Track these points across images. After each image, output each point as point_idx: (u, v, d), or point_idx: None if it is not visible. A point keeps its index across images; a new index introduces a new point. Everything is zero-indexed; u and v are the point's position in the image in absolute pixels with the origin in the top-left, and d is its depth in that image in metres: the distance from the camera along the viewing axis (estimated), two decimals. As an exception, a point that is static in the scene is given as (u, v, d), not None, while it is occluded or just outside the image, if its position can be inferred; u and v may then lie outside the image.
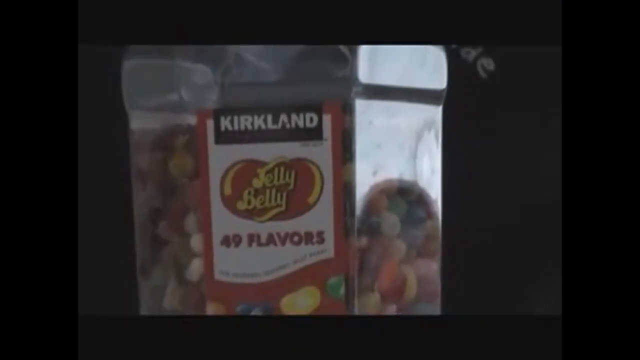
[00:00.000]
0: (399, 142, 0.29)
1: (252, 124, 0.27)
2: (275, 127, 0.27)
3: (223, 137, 0.27)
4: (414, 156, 0.30)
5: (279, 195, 0.27)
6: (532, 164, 0.48)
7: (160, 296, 0.34)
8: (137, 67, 0.32)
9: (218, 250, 0.28)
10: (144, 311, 0.36)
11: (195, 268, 0.30)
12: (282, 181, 0.27)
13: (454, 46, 0.43)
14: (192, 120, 0.28)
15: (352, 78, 0.27)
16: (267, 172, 0.27)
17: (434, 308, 0.38)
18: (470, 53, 0.42)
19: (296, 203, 0.27)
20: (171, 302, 0.34)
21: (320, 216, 0.27)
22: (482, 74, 0.43)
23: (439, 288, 0.41)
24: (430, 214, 0.35)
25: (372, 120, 0.27)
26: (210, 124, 0.27)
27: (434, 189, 0.34)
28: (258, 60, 0.27)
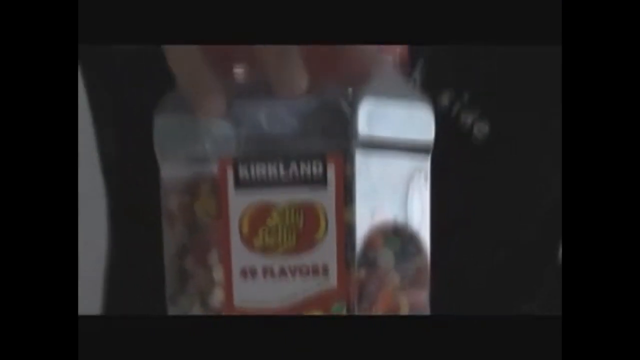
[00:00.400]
0: (393, 187, 0.34)
1: (266, 171, 0.32)
2: (286, 174, 0.32)
3: (241, 183, 0.32)
4: (406, 199, 0.35)
5: (289, 233, 0.32)
6: (513, 205, 0.52)
7: None
8: (166, 123, 0.37)
9: (237, 281, 0.34)
10: None
11: (217, 297, 0.36)
12: (292, 221, 0.32)
13: (445, 105, 0.46)
14: (214, 168, 0.33)
15: (352, 132, 0.32)
16: (280, 213, 0.32)
17: None
18: (468, 117, 0.46)
19: (304, 240, 0.32)
20: None
21: (325, 252, 0.33)
22: (478, 136, 0.46)
23: (428, 314, 0.47)
24: (420, 250, 0.40)
25: (369, 168, 0.32)
26: (230, 171, 0.32)
27: (424, 227, 0.39)
28: (271, 117, 0.32)
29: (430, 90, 0.41)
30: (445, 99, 0.46)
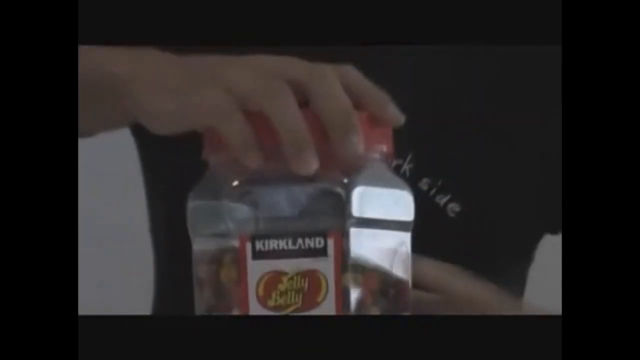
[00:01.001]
0: (380, 258, 0.40)
1: (278, 245, 0.39)
2: (294, 247, 0.38)
3: (257, 255, 0.39)
4: (392, 267, 0.42)
5: (296, 295, 0.38)
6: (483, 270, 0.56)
7: None
8: (196, 207, 0.43)
9: None
10: None
11: None
12: (299, 286, 0.38)
13: (425, 189, 0.54)
14: (236, 243, 0.39)
15: (347, 213, 0.38)
16: (289, 280, 0.38)
17: None
18: (442, 198, 0.54)
19: (308, 301, 0.39)
20: None
21: (326, 311, 0.39)
22: (450, 214, 0.55)
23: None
24: (405, 305, 0.46)
25: (361, 243, 0.39)
26: (248, 245, 0.39)
27: (407, 290, 0.45)
28: (282, 201, 0.38)
29: (411, 179, 0.52)
30: (424, 185, 0.54)
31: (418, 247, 0.44)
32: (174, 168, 0.49)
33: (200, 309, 0.43)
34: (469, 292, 0.45)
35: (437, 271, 0.46)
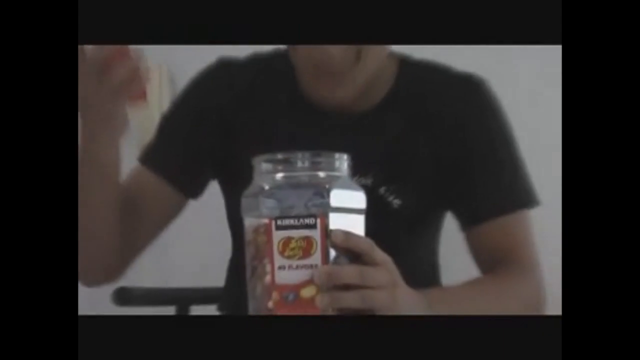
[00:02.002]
0: (348, 228, 0.62)
1: (289, 222, 0.61)
2: (297, 224, 0.61)
3: (278, 227, 0.61)
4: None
5: (299, 250, 0.60)
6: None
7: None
8: (246, 200, 0.64)
9: (277, 271, 0.61)
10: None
11: (268, 279, 0.61)
12: (300, 245, 0.60)
13: (381, 193, 0.80)
14: (266, 221, 0.61)
15: (327, 205, 0.61)
16: (295, 241, 0.60)
17: None
18: (390, 197, 0.80)
19: (306, 254, 0.61)
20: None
21: (316, 258, 0.61)
22: (395, 206, 0.81)
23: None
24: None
25: (336, 221, 0.61)
26: (273, 223, 0.61)
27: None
28: (292, 198, 0.61)
29: (372, 187, 0.79)
30: (380, 191, 0.79)
31: (375, 226, 0.64)
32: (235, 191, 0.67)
33: (247, 258, 0.63)
34: (383, 258, 0.62)
35: (367, 244, 0.62)
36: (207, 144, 0.78)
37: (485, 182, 0.77)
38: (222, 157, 0.78)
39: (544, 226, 0.85)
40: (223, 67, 0.80)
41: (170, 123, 0.81)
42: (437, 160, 0.77)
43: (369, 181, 0.76)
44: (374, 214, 0.64)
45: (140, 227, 0.78)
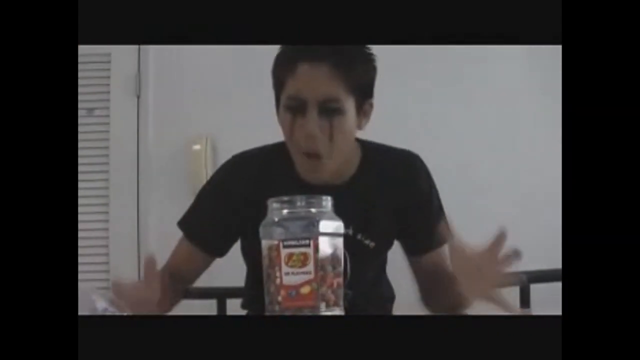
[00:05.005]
0: (331, 248, 0.83)
1: (291, 243, 0.82)
2: (297, 244, 0.83)
3: (284, 247, 0.82)
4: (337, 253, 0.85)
5: (298, 262, 0.81)
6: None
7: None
8: (263, 229, 0.83)
9: (284, 276, 0.81)
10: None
11: (278, 282, 0.81)
12: (299, 259, 0.82)
13: (359, 238, 1.00)
14: (276, 242, 0.82)
15: (317, 230, 0.80)
16: (295, 256, 0.82)
17: None
18: (366, 240, 1.01)
19: (303, 264, 0.81)
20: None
21: (310, 267, 0.81)
22: (370, 247, 1.00)
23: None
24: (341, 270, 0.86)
25: (323, 242, 0.81)
26: (280, 243, 0.82)
27: (343, 262, 0.86)
28: (294, 227, 0.83)
29: (352, 234, 1.00)
30: (357, 236, 1.00)
31: (358, 265, 0.94)
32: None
33: (264, 267, 0.83)
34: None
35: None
36: (230, 215, 1.01)
37: (425, 225, 1.02)
38: (241, 223, 1.01)
39: (544, 226, 0.85)
40: (239, 158, 1.05)
41: (202, 200, 1.05)
42: (394, 212, 1.02)
43: (349, 231, 0.98)
44: (354, 254, 0.93)
45: (181, 286, 1.03)
